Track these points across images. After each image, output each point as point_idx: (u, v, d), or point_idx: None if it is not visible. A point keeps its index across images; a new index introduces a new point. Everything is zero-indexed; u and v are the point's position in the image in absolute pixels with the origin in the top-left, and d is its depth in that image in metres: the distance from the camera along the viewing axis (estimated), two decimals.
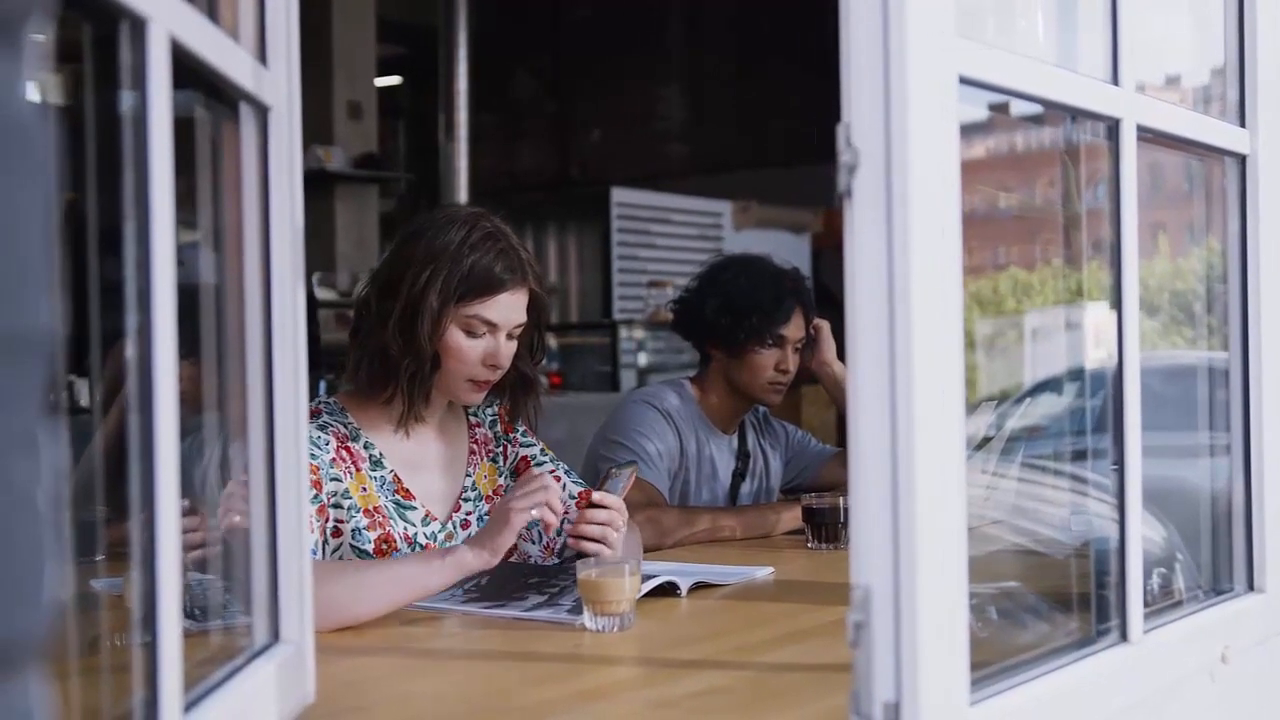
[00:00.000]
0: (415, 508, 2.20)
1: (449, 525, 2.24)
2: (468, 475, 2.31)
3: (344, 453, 2.14)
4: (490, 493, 2.33)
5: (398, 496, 2.19)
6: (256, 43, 1.32)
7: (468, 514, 2.28)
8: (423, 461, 2.26)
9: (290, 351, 1.35)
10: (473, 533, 2.23)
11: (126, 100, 0.99)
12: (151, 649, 0.98)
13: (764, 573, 2.31)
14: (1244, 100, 1.76)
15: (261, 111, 1.32)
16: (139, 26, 0.97)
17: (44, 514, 0.51)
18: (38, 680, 0.52)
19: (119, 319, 1.01)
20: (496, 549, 1.94)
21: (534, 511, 1.94)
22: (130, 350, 1.01)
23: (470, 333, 2.17)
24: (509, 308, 2.19)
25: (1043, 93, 1.40)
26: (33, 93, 0.50)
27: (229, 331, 1.34)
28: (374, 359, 2.17)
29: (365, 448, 2.19)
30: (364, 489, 2.15)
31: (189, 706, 1.07)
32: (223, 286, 1.33)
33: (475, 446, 2.35)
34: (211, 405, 1.36)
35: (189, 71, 1.09)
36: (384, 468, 2.19)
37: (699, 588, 2.14)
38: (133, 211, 0.99)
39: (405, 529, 2.17)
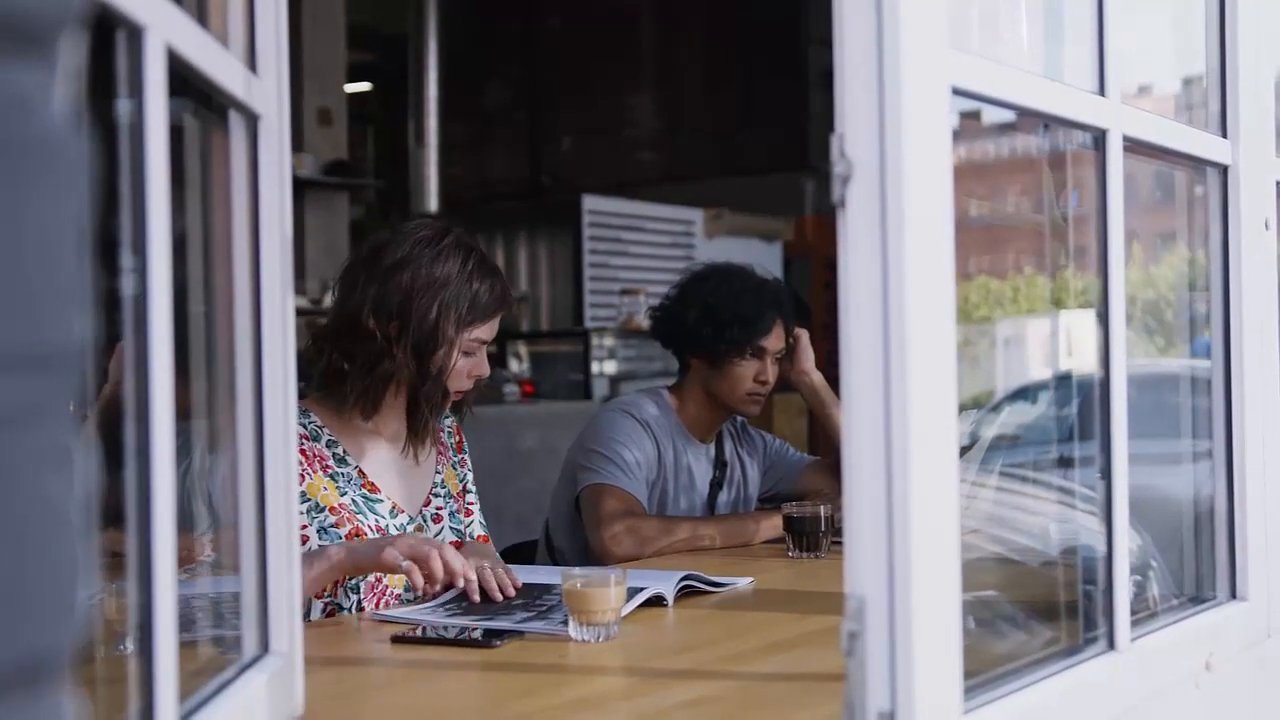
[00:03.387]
0: (382, 500, 2.27)
1: (419, 519, 2.33)
2: (437, 473, 2.40)
3: (299, 455, 2.18)
4: (457, 493, 2.42)
5: (364, 491, 2.25)
6: (246, 50, 1.31)
7: (438, 509, 2.37)
8: (391, 460, 2.32)
9: (280, 360, 1.34)
10: (445, 526, 2.36)
11: (122, 108, 0.98)
12: (147, 662, 0.97)
13: (745, 582, 2.31)
14: (1225, 111, 1.77)
15: (252, 120, 1.31)
16: (136, 35, 0.96)
17: (76, 527, 0.51)
18: (70, 692, 0.52)
19: (102, 327, 1.00)
20: (358, 564, 2.00)
21: (404, 564, 1.96)
22: (119, 359, 1.00)
23: (468, 353, 2.27)
24: (497, 325, 2.32)
25: (1032, 103, 1.41)
26: (65, 105, 0.50)
27: (217, 340, 1.33)
28: (381, 384, 2.24)
29: (328, 446, 2.25)
30: (324, 488, 2.20)
31: (182, 719, 1.06)
32: (211, 294, 1.32)
33: (441, 448, 2.43)
34: (198, 414, 1.34)
35: (180, 79, 1.08)
36: (349, 465, 2.25)
37: (686, 594, 2.15)
38: (129, 220, 0.98)
39: (375, 521, 2.23)
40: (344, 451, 2.25)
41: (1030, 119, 1.58)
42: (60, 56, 0.50)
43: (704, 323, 2.93)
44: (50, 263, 0.48)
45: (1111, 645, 1.49)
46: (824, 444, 3.28)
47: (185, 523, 1.43)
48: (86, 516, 0.53)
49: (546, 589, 2.13)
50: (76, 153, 0.51)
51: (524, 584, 2.19)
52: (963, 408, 1.87)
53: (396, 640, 1.85)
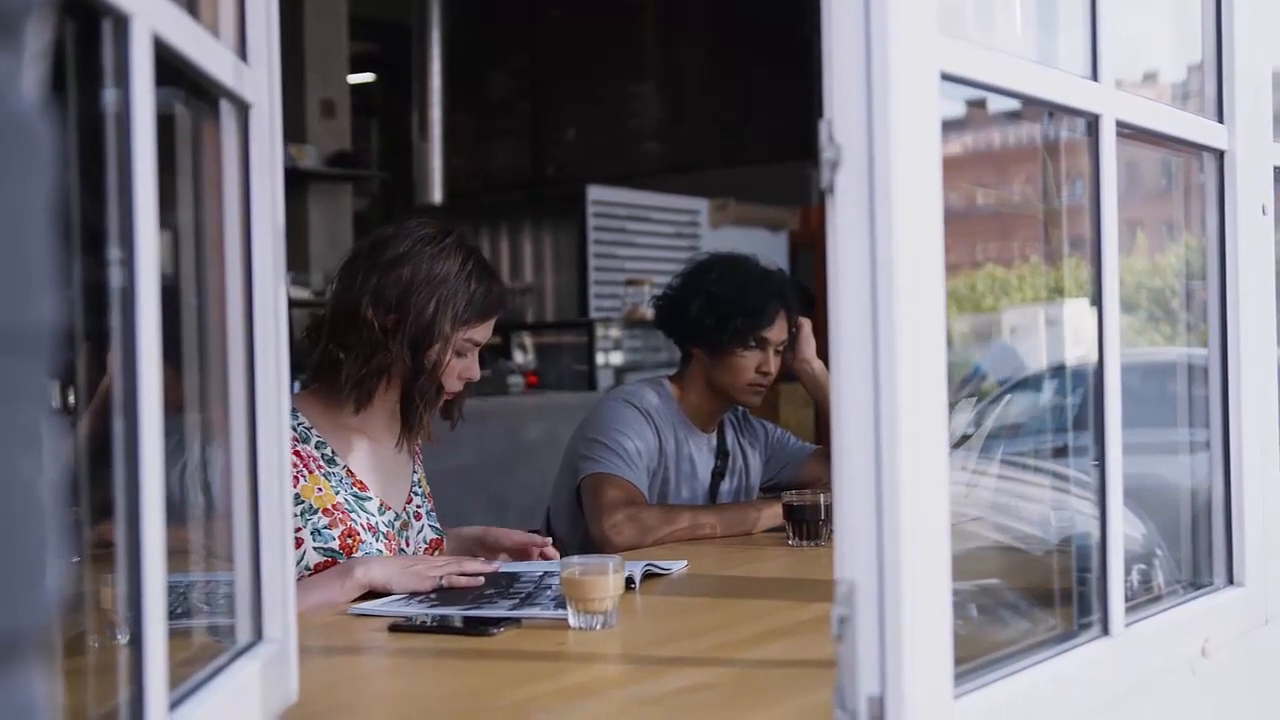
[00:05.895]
0: (371, 498, 2.30)
1: (404, 515, 2.37)
2: (414, 472, 2.44)
3: (294, 456, 2.20)
4: (428, 493, 2.47)
5: (354, 489, 2.28)
6: (237, 39, 1.31)
7: (418, 507, 2.42)
8: (374, 458, 2.35)
9: (272, 352, 1.34)
10: (425, 524, 2.41)
11: (108, 97, 0.98)
12: (137, 649, 0.98)
13: (679, 566, 2.34)
14: (1222, 96, 1.77)
15: (243, 109, 1.31)
16: (122, 23, 0.96)
17: (47, 507, 0.51)
18: (40, 673, 0.52)
19: (98, 319, 1.00)
20: (390, 580, 2.09)
21: (443, 581, 2.11)
22: (112, 352, 1.00)
23: (460, 354, 2.30)
24: (491, 328, 2.35)
25: (1023, 89, 1.41)
26: (32, 89, 0.50)
27: (209, 332, 1.33)
28: (375, 376, 2.26)
29: (317, 447, 2.27)
30: (319, 489, 2.23)
31: (174, 705, 1.06)
32: (202, 286, 1.32)
33: (418, 448, 2.47)
34: (191, 406, 1.35)
35: (169, 68, 1.08)
36: (337, 464, 2.28)
37: (647, 578, 2.19)
38: (115, 210, 0.98)
39: (367, 519, 2.27)
40: (332, 451, 2.28)
41: (1032, 107, 1.58)
42: (29, 41, 0.51)
43: (707, 313, 2.93)
44: (20, 244, 0.48)
45: (1105, 631, 1.49)
46: (827, 433, 3.28)
47: (185, 515, 1.44)
48: (58, 496, 0.53)
49: (515, 577, 2.16)
50: (45, 136, 0.51)
51: (499, 573, 2.20)
52: (969, 397, 1.87)
53: (393, 629, 1.86)
